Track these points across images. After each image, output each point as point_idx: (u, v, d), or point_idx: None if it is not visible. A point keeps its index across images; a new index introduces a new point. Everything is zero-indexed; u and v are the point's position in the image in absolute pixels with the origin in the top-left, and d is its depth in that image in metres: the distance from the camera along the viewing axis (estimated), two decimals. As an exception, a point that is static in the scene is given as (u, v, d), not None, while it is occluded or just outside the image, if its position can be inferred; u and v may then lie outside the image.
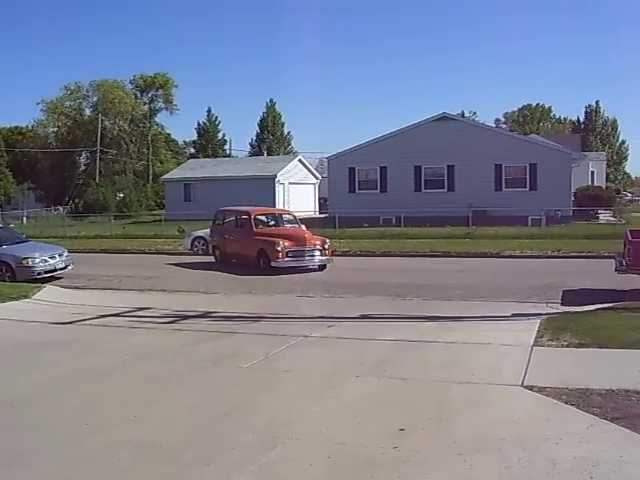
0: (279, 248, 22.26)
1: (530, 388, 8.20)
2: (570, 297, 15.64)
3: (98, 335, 12.77)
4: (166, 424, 7.44)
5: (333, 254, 24.55)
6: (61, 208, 75.88)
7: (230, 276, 22.11)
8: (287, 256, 22.43)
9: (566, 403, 7.61)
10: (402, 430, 6.95)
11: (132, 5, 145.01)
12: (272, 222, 25.48)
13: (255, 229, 24.02)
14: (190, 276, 22.83)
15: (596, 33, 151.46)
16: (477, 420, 7.25)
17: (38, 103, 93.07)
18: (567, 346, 10.38)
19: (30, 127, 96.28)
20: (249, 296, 18.09)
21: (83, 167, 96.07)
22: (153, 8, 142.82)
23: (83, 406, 8.20)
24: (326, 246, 23.30)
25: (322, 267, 23.13)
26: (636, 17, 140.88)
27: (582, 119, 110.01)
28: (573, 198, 42.73)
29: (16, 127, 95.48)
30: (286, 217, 26.69)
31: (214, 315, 14.47)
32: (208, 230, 29.96)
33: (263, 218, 25.56)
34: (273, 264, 22.27)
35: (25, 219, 63.16)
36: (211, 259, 26.25)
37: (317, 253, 23.06)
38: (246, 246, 23.76)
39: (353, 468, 6.15)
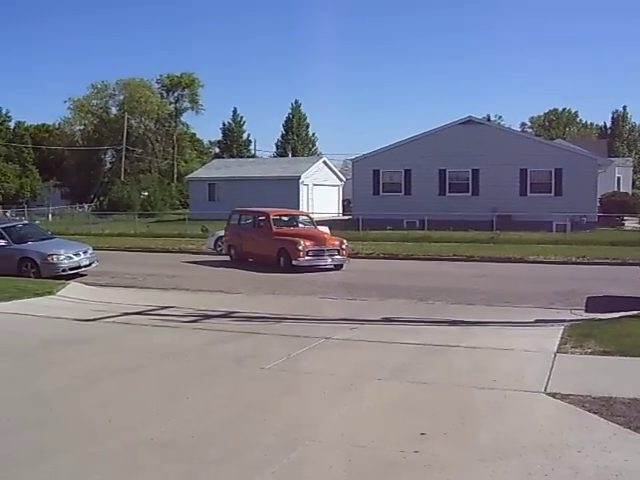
0: (300, 247, 22.99)
1: (553, 395, 8.14)
2: (595, 304, 15.49)
3: (121, 333, 12.84)
4: (188, 423, 7.47)
5: (356, 256, 25.70)
6: (86, 206, 76.54)
7: (251, 275, 22.49)
8: (307, 255, 23.15)
9: (589, 411, 7.54)
10: (423, 434, 6.93)
11: (159, 2, 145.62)
12: (290, 223, 26.37)
13: (274, 229, 24.64)
14: (211, 275, 23.06)
15: (624, 39, 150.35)
16: (499, 426, 7.21)
17: (65, 101, 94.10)
18: (591, 353, 10.29)
19: (57, 125, 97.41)
20: (271, 297, 18.13)
21: (109, 165, 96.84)
22: (179, 7, 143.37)
23: (106, 403, 8.25)
24: (344, 246, 24.00)
25: (339, 266, 23.80)
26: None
27: (609, 124, 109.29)
28: (599, 204, 42.36)
29: (43, 125, 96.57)
30: (302, 218, 27.74)
31: (236, 315, 14.49)
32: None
33: (281, 218, 26.28)
34: (294, 263, 22.94)
35: (50, 216, 63.77)
36: (228, 257, 26.75)
37: (335, 253, 23.77)
38: (265, 245, 24.36)
39: (374, 471, 6.14)
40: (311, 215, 28.17)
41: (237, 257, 26.17)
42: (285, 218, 26.68)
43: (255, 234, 25.49)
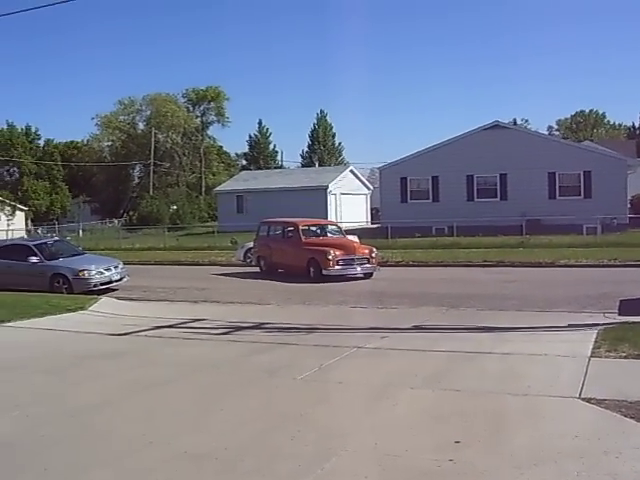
0: (330, 257, 22.98)
1: (588, 400, 8.05)
2: (628, 307, 15.30)
3: (153, 346, 12.94)
4: (222, 435, 7.49)
5: (386, 264, 25.83)
6: (116, 221, 77.29)
7: (281, 285, 22.63)
8: (337, 264, 23.17)
9: (626, 416, 7.45)
10: (458, 442, 6.88)
11: (181, 14, 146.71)
12: (319, 232, 26.21)
13: (303, 239, 24.63)
14: (242, 286, 23.08)
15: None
16: (534, 433, 7.14)
17: (93, 118, 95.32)
18: (625, 357, 10.17)
19: (85, 142, 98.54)
20: (302, 307, 18.15)
21: (137, 180, 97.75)
22: (203, 17, 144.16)
23: (140, 417, 8.31)
24: (373, 255, 23.98)
25: (369, 275, 23.75)
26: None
27: (637, 125, 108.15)
28: (629, 205, 41.94)
29: (72, 142, 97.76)
30: (331, 227, 27.78)
31: (268, 326, 14.53)
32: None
33: (310, 228, 26.12)
34: (324, 272, 22.96)
35: (81, 232, 64.47)
36: (257, 269, 26.80)
37: (365, 261, 23.76)
38: (295, 256, 24.42)
39: (409, 481, 6.12)
40: (340, 224, 28.21)
41: (267, 268, 26.19)
42: (314, 228, 26.55)
43: (284, 245, 25.53)
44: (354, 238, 25.96)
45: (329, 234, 26.27)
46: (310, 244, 24.36)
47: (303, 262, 23.78)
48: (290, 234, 25.53)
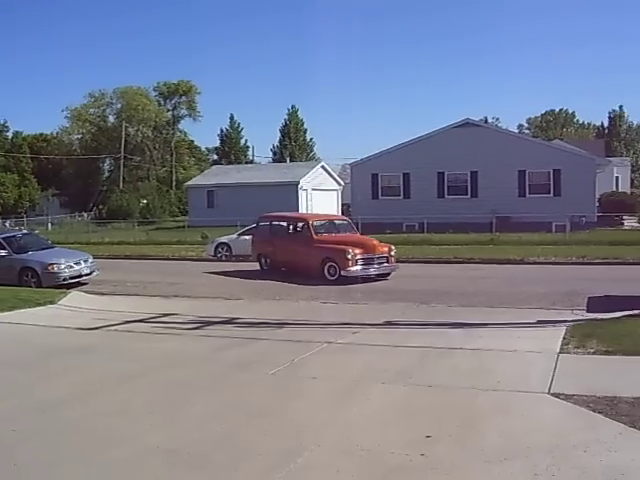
0: (350, 256, 21.25)
1: (557, 396, 8.16)
2: (596, 304, 15.49)
3: (124, 341, 12.87)
4: (194, 430, 7.48)
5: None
6: (85, 214, 76.59)
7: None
8: (357, 264, 21.44)
9: (594, 411, 7.56)
10: (429, 437, 6.95)
11: (155, 10, 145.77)
12: (331, 228, 24.16)
13: (315, 237, 22.81)
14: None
15: (620, 39, 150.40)
16: (504, 427, 7.22)
17: (63, 110, 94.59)
18: (594, 353, 10.31)
19: (55, 134, 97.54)
20: (273, 302, 18.04)
21: (107, 174, 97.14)
22: (176, 13, 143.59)
23: (111, 412, 8.26)
24: (392, 253, 22.50)
25: (386, 275, 22.25)
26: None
27: (606, 124, 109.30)
28: (597, 204, 42.39)
29: (41, 134, 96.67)
30: (342, 223, 25.41)
31: (239, 321, 14.53)
32: (233, 236, 30.17)
33: (321, 225, 24.09)
34: (343, 273, 21.22)
35: (50, 225, 63.86)
36: (250, 267, 25.29)
37: (384, 260, 22.21)
38: (305, 254, 22.60)
39: (381, 475, 6.15)
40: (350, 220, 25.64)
41: (269, 267, 24.51)
42: (326, 224, 24.45)
43: (291, 242, 23.76)
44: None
45: (341, 230, 24.13)
46: (323, 242, 22.55)
47: (316, 261, 21.95)
48: (299, 231, 23.80)
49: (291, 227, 24.59)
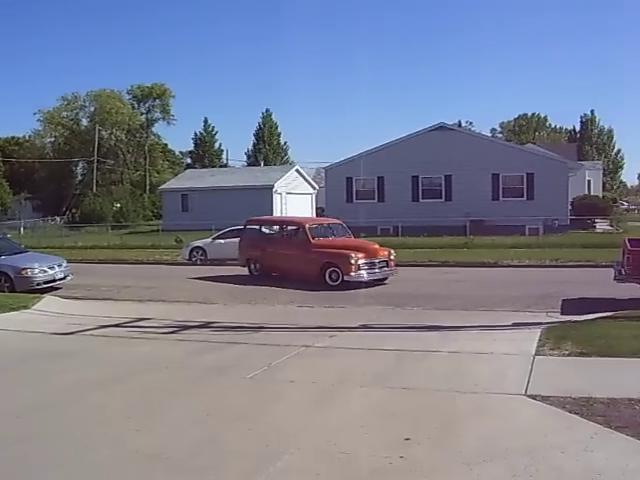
0: (353, 261, 20.81)
1: (534, 397, 8.23)
2: (570, 306, 15.67)
3: (100, 345, 12.79)
4: (172, 434, 7.46)
5: None
6: (58, 218, 75.94)
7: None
8: (359, 269, 20.99)
9: (570, 412, 7.65)
10: (408, 440, 6.98)
11: (129, 15, 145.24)
12: (327, 233, 23.40)
13: (312, 241, 22.11)
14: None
15: (589, 44, 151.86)
16: (482, 429, 7.28)
17: (35, 113, 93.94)
18: (569, 355, 10.43)
19: (27, 137, 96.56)
20: (249, 306, 18.03)
21: (80, 177, 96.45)
22: (150, 18, 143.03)
23: (88, 417, 8.22)
24: (392, 257, 22.29)
25: (384, 280, 21.88)
26: (632, 28, 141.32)
27: (578, 128, 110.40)
28: (570, 207, 42.83)
29: (13, 137, 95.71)
30: (337, 226, 24.28)
31: (215, 325, 14.50)
32: (207, 240, 30.04)
33: (317, 228, 23.35)
34: (347, 278, 20.76)
35: (22, 229, 63.20)
36: (235, 272, 24.69)
37: (384, 264, 21.91)
38: (301, 259, 21.93)
39: (361, 478, 6.19)
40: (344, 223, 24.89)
41: (260, 272, 23.68)
42: (321, 228, 23.63)
43: (285, 246, 23.08)
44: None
45: (336, 234, 23.42)
46: (322, 246, 21.93)
47: (314, 266, 21.32)
48: (294, 235, 23.23)
49: (284, 231, 24.16)
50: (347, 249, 21.51)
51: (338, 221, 24.57)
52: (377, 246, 22.50)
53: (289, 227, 24.18)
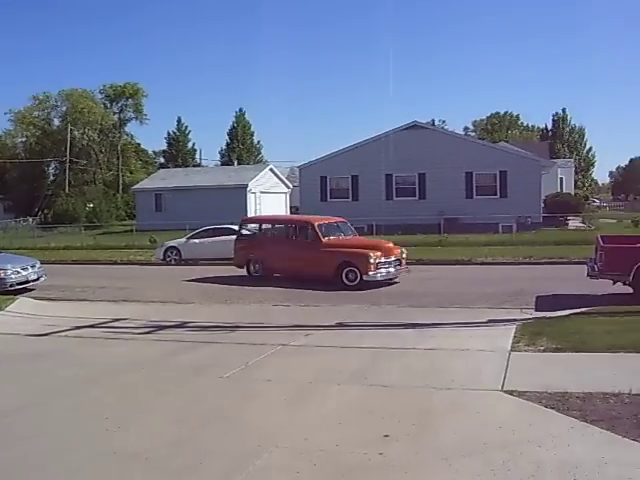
0: (372, 260, 20.30)
1: (510, 393, 8.31)
2: (544, 303, 15.79)
3: (75, 346, 12.70)
4: (150, 434, 7.44)
5: None
6: (30, 219, 75.17)
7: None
8: (378, 268, 20.53)
9: (546, 407, 7.74)
10: (387, 436, 7.02)
11: (102, 18, 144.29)
12: (335, 231, 22.72)
13: (323, 240, 21.44)
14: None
15: (560, 42, 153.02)
16: (460, 425, 7.33)
17: (6, 113, 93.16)
18: (544, 351, 10.54)
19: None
20: (224, 305, 17.98)
21: (52, 177, 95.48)
22: (123, 20, 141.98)
23: (65, 419, 8.17)
24: (404, 255, 21.99)
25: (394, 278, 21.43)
26: (601, 27, 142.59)
27: (550, 127, 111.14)
28: (543, 205, 43.17)
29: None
30: (343, 225, 23.55)
31: (191, 325, 14.45)
32: (182, 240, 29.90)
33: (327, 227, 22.48)
34: (365, 278, 20.23)
35: (-6, 230, 62.49)
36: (230, 272, 23.87)
37: (397, 263, 21.51)
38: (312, 259, 21.06)
39: (340, 475, 6.21)
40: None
41: (262, 273, 22.63)
42: (329, 226, 22.77)
43: (292, 246, 22.11)
44: None
45: (344, 232, 22.85)
46: (335, 245, 21.38)
47: (329, 266, 20.62)
48: (303, 234, 22.40)
49: (290, 230, 23.42)
50: (364, 248, 21.15)
51: (343, 220, 24.00)
52: (391, 244, 22.15)
53: (295, 226, 23.54)
